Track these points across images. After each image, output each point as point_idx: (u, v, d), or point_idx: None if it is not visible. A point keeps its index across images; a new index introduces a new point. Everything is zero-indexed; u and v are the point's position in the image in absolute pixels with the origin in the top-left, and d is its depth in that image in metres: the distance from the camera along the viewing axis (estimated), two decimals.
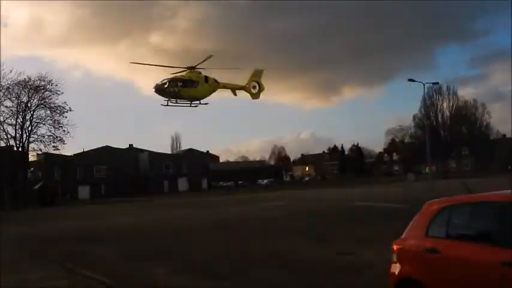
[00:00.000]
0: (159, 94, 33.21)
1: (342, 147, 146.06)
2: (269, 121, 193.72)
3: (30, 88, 60.67)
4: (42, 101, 61.60)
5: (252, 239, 17.15)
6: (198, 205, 41.28)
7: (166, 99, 33.18)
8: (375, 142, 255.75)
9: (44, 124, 61.77)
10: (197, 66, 33.83)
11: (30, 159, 68.86)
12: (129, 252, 15.67)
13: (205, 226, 22.85)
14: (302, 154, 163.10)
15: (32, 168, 77.44)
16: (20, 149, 61.38)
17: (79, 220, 31.93)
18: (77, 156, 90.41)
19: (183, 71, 34.23)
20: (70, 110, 61.64)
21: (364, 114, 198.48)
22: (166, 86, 32.94)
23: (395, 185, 59.89)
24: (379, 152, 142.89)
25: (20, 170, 62.22)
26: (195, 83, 33.43)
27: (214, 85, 34.76)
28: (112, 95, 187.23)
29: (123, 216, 33.17)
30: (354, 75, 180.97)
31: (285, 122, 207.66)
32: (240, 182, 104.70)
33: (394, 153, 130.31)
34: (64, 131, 61.13)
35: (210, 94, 34.72)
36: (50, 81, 61.13)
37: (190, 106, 34.56)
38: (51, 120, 61.52)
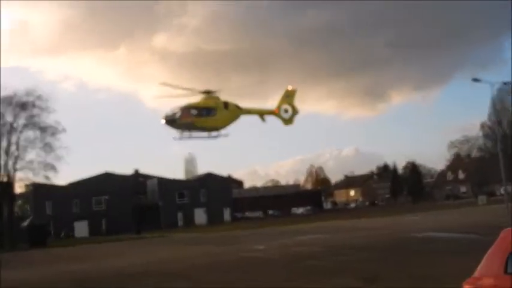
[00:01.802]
0: (169, 126, 33.85)
1: (394, 165, 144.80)
2: (303, 136, 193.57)
3: (16, 105, 61.07)
4: (30, 121, 61.86)
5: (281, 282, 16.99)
6: (219, 241, 41.19)
7: (179, 130, 33.96)
8: (434, 158, 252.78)
9: (32, 148, 61.94)
10: (215, 92, 34.66)
11: (17, 191, 69.47)
12: None
13: (223, 266, 22.78)
14: (345, 175, 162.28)
15: (19, 202, 78.31)
16: (5, 179, 61.55)
17: (75, 263, 32.15)
18: (72, 186, 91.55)
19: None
20: (63, 131, 61.90)
21: (420, 124, 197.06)
22: (178, 116, 33.51)
23: (463, 210, 58.92)
24: (441, 170, 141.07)
25: (5, 203, 62.68)
26: (213, 110, 34.04)
27: (235, 111, 35.35)
28: (111, 110, 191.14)
29: (129, 257, 33.29)
30: (405, 77, 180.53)
31: (322, 137, 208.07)
32: (270, 212, 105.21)
33: (460, 171, 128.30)
34: (56, 155, 61.29)
35: (231, 122, 35.32)
36: (39, 97, 61.57)
37: (208, 138, 35.34)
38: (41, 143, 61.72)
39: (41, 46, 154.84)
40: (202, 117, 33.61)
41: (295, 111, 37.24)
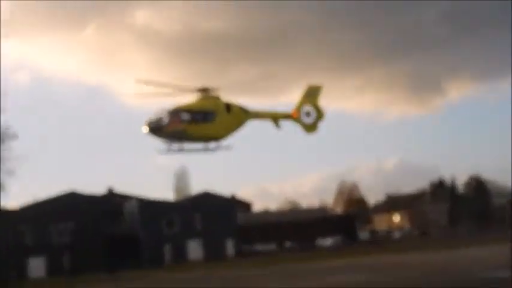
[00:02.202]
0: (152, 134, 33.74)
1: (453, 181, 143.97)
2: (330, 143, 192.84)
3: None
4: None
5: None
6: (219, 286, 40.81)
7: (166, 141, 33.80)
8: (506, 172, 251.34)
9: None
10: (213, 89, 34.57)
11: None
12: None
13: None
14: (387, 195, 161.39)
15: None
16: None
17: None
18: (24, 209, 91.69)
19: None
20: (14, 137, 61.62)
21: (487, 127, 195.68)
22: (164, 122, 33.32)
23: None
24: None
25: None
26: (210, 114, 34.02)
27: (240, 116, 35.33)
28: (77, 109, 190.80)
29: None
30: (466, 63, 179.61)
31: (356, 143, 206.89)
32: (287, 244, 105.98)
33: None
34: (5, 169, 61.09)
35: (234, 130, 35.27)
36: None
37: (204, 151, 35.31)
38: None
39: None
40: (197, 123, 33.58)
41: (320, 115, 37.08)
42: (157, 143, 33.64)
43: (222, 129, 34.31)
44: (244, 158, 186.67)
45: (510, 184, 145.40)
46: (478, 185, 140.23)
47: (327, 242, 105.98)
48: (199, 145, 34.77)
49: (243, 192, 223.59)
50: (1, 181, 61.34)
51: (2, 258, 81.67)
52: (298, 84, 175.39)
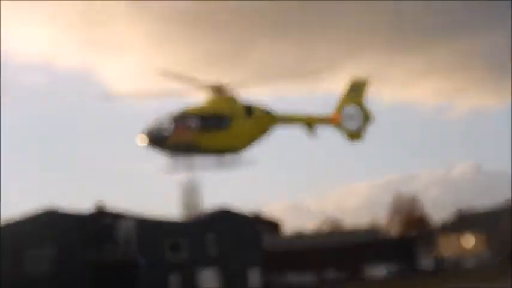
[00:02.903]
0: (153, 147, 33.26)
1: None
2: (383, 143, 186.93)
3: None
4: None
5: None
6: None
7: (171, 155, 33.35)
8: None
9: None
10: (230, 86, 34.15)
11: None
12: None
13: None
14: (458, 210, 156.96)
15: None
16: None
17: None
18: None
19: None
20: None
21: None
22: (168, 132, 32.80)
23: None
24: None
25: None
26: (226, 120, 33.81)
27: (265, 120, 35.13)
28: (52, 100, 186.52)
29: None
30: None
31: (416, 144, 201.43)
32: (328, 274, 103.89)
33: None
34: None
35: (257, 139, 34.99)
36: None
37: (219, 168, 35.40)
38: None
39: None
40: (209, 131, 33.53)
41: (367, 117, 36.34)
42: (160, 158, 33.96)
43: (241, 138, 34.35)
44: (272, 165, 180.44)
45: None
46: None
47: (380, 271, 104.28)
48: (212, 159, 34.72)
49: (270, 209, 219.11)
50: None
51: None
52: (342, 69, 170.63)
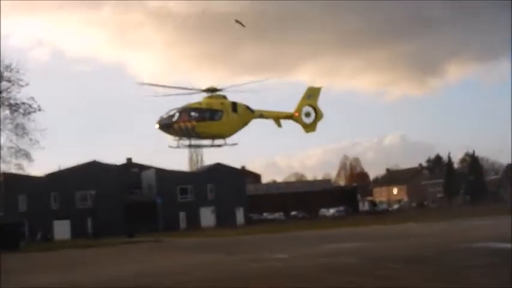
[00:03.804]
0: (164, 131, 34.25)
1: (449, 157, 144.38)
2: (335, 119, 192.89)
3: None
4: None
5: None
6: (229, 248, 40.96)
7: (176, 138, 34.26)
8: (500, 149, 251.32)
9: (1, 130, 61.94)
10: (221, 90, 34.57)
11: None
12: None
13: (233, 280, 22.46)
14: (387, 169, 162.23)
15: None
16: None
17: (53, 273, 32.00)
18: (50, 177, 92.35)
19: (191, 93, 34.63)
20: (39, 110, 61.47)
21: (482, 107, 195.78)
22: (174, 119, 33.62)
23: None
24: (508, 165, 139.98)
25: None
26: (218, 113, 34.00)
27: (245, 115, 35.31)
28: (96, 85, 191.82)
29: (119, 267, 33.12)
30: (466, 45, 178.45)
31: (359, 120, 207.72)
32: (293, 213, 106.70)
33: None
34: (31, 139, 60.97)
35: (240, 128, 35.35)
36: (7, 67, 61.27)
37: (211, 147, 35.91)
38: (11, 124, 61.55)
39: (6, 6, 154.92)
40: (205, 121, 33.65)
41: (319, 115, 36.92)
42: (169, 138, 34.27)
43: (229, 127, 34.40)
44: (254, 133, 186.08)
45: (501, 161, 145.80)
46: (472, 162, 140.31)
47: (330, 212, 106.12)
48: (206, 141, 35.42)
49: (253, 165, 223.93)
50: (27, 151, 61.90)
51: (32, 221, 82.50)
52: (306, 64, 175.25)
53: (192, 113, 33.54)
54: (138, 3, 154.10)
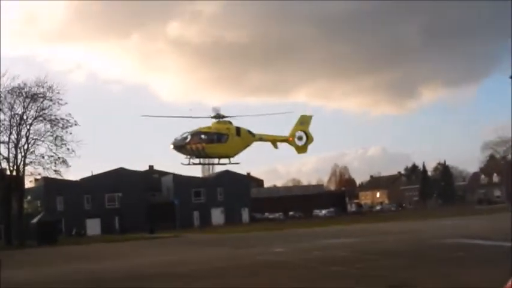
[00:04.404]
0: (178, 151, 33.83)
1: (424, 166, 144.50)
2: (328, 133, 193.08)
3: (27, 96, 61.00)
4: (40, 113, 61.82)
5: None
6: (236, 243, 41.28)
7: (188, 157, 33.83)
8: (467, 160, 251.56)
9: (43, 141, 61.88)
10: (227, 116, 34.03)
11: (26, 186, 69.49)
12: None
13: (240, 270, 22.76)
14: (371, 176, 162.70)
15: (28, 197, 78.56)
16: (15, 173, 61.78)
17: (86, 262, 32.39)
18: (84, 181, 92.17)
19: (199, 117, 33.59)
20: (75, 124, 61.87)
21: (452, 124, 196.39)
22: (187, 141, 33.37)
23: (496, 216, 58.29)
24: (474, 173, 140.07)
25: (14, 199, 63.20)
26: (224, 137, 33.67)
27: (247, 138, 34.91)
28: (123, 103, 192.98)
29: (143, 258, 33.45)
30: (437, 71, 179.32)
31: (348, 135, 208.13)
32: (290, 213, 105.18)
33: (494, 174, 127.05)
34: (68, 149, 61.26)
35: (242, 149, 34.94)
36: (50, 88, 61.64)
37: (218, 164, 35.87)
38: (51, 136, 61.76)
39: (49, 34, 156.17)
40: (213, 143, 33.22)
41: (310, 139, 36.44)
42: (182, 157, 33.69)
43: (233, 148, 34.07)
44: (258, 143, 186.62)
45: (468, 169, 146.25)
46: (443, 170, 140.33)
47: (322, 212, 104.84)
48: (214, 160, 35.13)
49: (256, 171, 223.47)
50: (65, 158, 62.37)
51: (67, 219, 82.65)
52: (303, 87, 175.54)
53: (202, 136, 33.13)
54: (160, 32, 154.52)
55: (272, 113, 37.63)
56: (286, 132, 36.65)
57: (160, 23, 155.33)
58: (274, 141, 36.38)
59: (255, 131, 35.43)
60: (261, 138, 35.83)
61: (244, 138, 34.54)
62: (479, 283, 14.82)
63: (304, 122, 36.71)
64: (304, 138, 36.19)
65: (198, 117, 33.66)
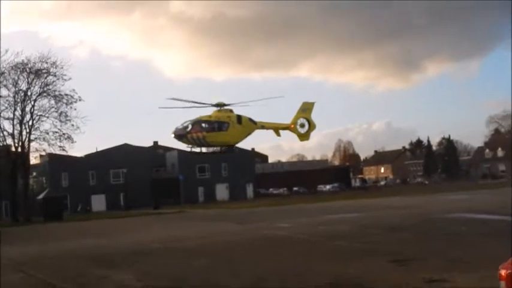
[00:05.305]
0: (179, 140, 33.97)
1: (428, 141, 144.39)
2: (331, 108, 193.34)
3: (30, 72, 60.97)
4: (44, 89, 61.93)
5: (309, 262, 17.06)
6: (241, 218, 41.54)
7: (189, 146, 33.77)
8: (472, 134, 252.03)
9: (47, 117, 62.00)
10: (229, 104, 33.94)
11: (31, 163, 70.04)
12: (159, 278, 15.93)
13: (245, 244, 22.99)
14: (375, 151, 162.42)
15: (34, 174, 79.25)
16: (20, 149, 62.09)
17: (91, 238, 32.68)
18: (88, 157, 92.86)
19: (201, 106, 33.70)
20: (79, 100, 62.01)
21: (456, 98, 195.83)
22: (188, 130, 33.24)
23: (501, 190, 58.35)
24: (478, 147, 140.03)
25: (19, 175, 63.62)
26: (225, 125, 33.57)
27: (249, 126, 34.81)
28: (127, 78, 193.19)
29: (147, 233, 33.74)
30: (442, 46, 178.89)
31: (351, 109, 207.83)
32: (295, 189, 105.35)
33: (499, 148, 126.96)
34: (72, 125, 61.40)
35: (244, 138, 35.04)
36: (53, 63, 61.65)
37: (219, 154, 36.78)
38: (56, 112, 61.90)
39: (50, 10, 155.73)
40: (214, 132, 33.04)
41: (312, 127, 36.26)
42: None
43: (234, 137, 34.03)
44: (262, 119, 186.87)
45: (473, 144, 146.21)
46: (448, 144, 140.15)
47: (326, 187, 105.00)
48: (216, 148, 34.88)
49: (261, 147, 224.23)
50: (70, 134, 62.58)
51: (73, 195, 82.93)
52: (304, 62, 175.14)
53: (203, 125, 33.00)
54: (162, 8, 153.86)
55: (271, 97, 36.59)
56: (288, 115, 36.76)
57: None
58: (276, 129, 36.25)
59: (257, 116, 35.20)
60: (263, 126, 35.68)
61: (246, 126, 34.40)
62: (482, 258, 14.95)
63: (306, 109, 36.52)
64: (307, 125, 36.01)
65: (202, 103, 33.29)
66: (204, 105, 33.67)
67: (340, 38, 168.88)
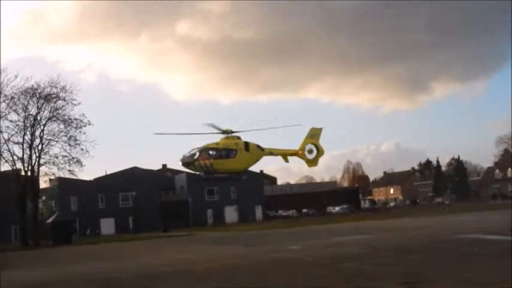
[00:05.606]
0: (186, 168, 34.31)
1: (438, 161, 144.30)
2: (339, 129, 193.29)
3: (40, 97, 61.45)
4: (54, 113, 62.17)
5: None
6: (250, 241, 41.31)
7: (197, 173, 34.59)
8: (481, 154, 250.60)
9: (57, 141, 62.26)
10: (236, 132, 34.09)
11: (41, 186, 69.64)
12: None
13: (254, 267, 22.80)
14: (384, 172, 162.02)
15: (43, 197, 79.33)
16: (29, 173, 62.21)
17: (100, 262, 32.52)
18: (97, 181, 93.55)
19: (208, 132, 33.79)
20: (89, 124, 62.25)
21: (465, 118, 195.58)
22: (195, 157, 33.45)
23: None
24: (488, 168, 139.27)
25: (29, 199, 63.66)
26: (233, 152, 33.65)
27: (256, 153, 34.91)
28: (135, 102, 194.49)
29: (157, 257, 33.57)
30: (448, 67, 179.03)
31: (360, 130, 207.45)
32: (304, 210, 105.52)
33: (509, 169, 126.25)
34: (82, 149, 61.57)
35: (252, 165, 35.20)
36: (63, 88, 62.04)
37: (227, 180, 37.14)
38: (65, 136, 62.13)
39: (58, 34, 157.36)
40: (222, 159, 33.30)
41: (320, 152, 36.34)
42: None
43: (242, 164, 34.20)
44: (270, 141, 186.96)
45: (482, 164, 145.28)
46: (457, 165, 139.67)
47: (336, 209, 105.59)
48: (224, 175, 35.27)
49: (270, 169, 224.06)
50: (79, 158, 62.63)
51: (82, 219, 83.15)
52: (312, 83, 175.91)
53: (211, 152, 33.29)
54: (169, 31, 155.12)
55: (282, 126, 36.91)
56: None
57: (169, 22, 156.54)
58: (284, 155, 36.31)
59: (264, 142, 35.51)
60: (271, 152, 35.86)
61: (253, 153, 34.55)
62: (495, 278, 14.77)
63: (314, 134, 36.45)
64: (315, 151, 36.04)
65: (207, 133, 33.66)
66: (212, 133, 33.64)
67: (347, 59, 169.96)
